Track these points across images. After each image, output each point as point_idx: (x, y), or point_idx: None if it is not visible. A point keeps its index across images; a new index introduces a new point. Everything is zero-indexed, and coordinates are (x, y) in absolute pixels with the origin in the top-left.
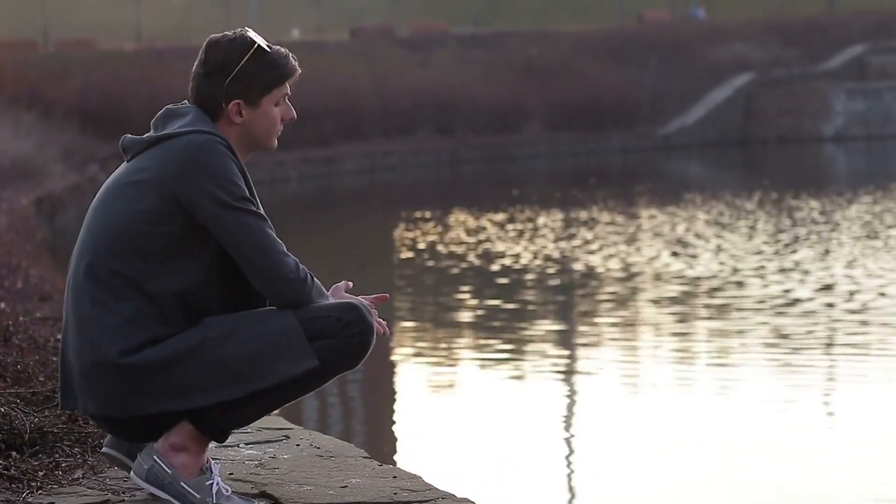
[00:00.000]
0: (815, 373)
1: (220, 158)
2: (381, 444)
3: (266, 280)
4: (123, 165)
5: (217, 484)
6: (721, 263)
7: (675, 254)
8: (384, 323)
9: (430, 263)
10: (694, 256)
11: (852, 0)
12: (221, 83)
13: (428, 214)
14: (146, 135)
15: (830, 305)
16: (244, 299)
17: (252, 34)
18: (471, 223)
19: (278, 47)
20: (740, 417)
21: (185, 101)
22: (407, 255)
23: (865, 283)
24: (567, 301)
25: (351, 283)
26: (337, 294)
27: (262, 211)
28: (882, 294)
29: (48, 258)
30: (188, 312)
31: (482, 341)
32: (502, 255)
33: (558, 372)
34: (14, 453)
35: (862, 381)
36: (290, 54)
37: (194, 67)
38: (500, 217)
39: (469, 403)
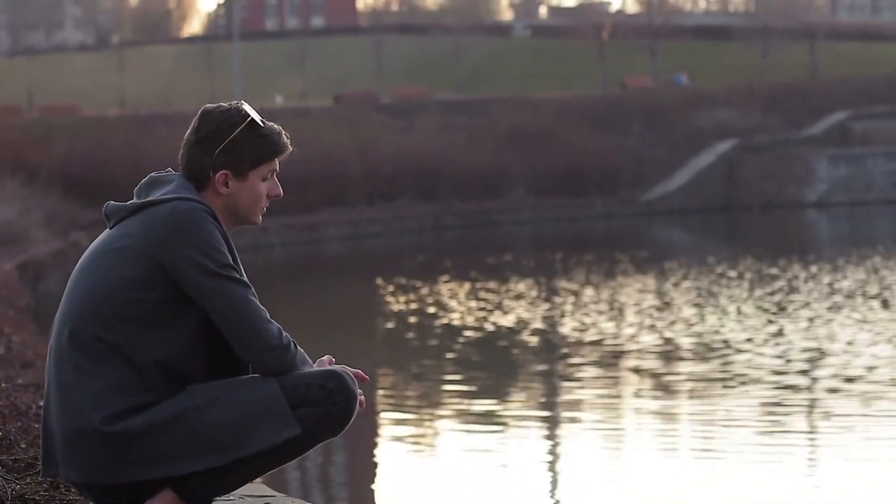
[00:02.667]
0: (799, 439)
1: (204, 225)
2: None
3: (249, 347)
4: (107, 232)
5: None
6: (698, 335)
7: (652, 326)
8: (362, 399)
9: (413, 330)
10: (673, 322)
11: (834, 66)
12: (211, 152)
13: (411, 281)
14: (130, 201)
15: (811, 373)
16: (228, 366)
17: (247, 107)
18: (454, 290)
19: (272, 124)
20: (723, 483)
21: (170, 168)
22: (390, 322)
23: (847, 350)
24: (549, 368)
25: (333, 359)
26: (321, 367)
27: (245, 278)
28: (869, 367)
29: (31, 324)
30: (171, 379)
31: (464, 407)
32: (485, 322)
33: (540, 437)
34: None
35: (845, 447)
36: (283, 132)
37: (186, 135)
38: (483, 284)
39: (451, 470)
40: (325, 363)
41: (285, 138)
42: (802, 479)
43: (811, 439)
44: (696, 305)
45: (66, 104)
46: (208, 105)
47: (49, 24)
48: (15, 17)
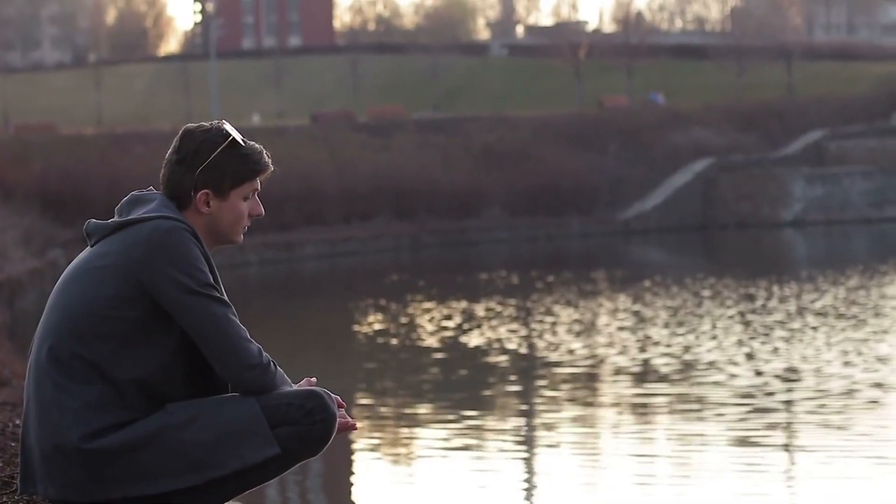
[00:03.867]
0: (774, 459)
1: (185, 244)
2: None
3: (229, 366)
4: (87, 250)
5: None
6: (673, 351)
7: (627, 345)
8: (353, 422)
9: (389, 349)
10: (648, 341)
11: (811, 86)
12: (192, 172)
13: (387, 300)
14: (111, 220)
15: (790, 391)
16: (207, 385)
17: (228, 127)
18: (429, 309)
19: (253, 143)
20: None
21: (151, 187)
22: (366, 340)
23: (822, 370)
24: (528, 383)
25: (315, 379)
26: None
27: (225, 297)
28: (844, 387)
29: (7, 342)
30: (150, 398)
31: (443, 424)
32: (460, 341)
33: (520, 452)
34: None
35: (823, 464)
36: (265, 151)
37: (167, 154)
38: (458, 303)
39: (431, 488)
40: (305, 384)
41: (266, 157)
42: (779, 497)
43: (786, 460)
44: (672, 325)
45: (42, 123)
46: (189, 125)
47: (26, 42)
48: None
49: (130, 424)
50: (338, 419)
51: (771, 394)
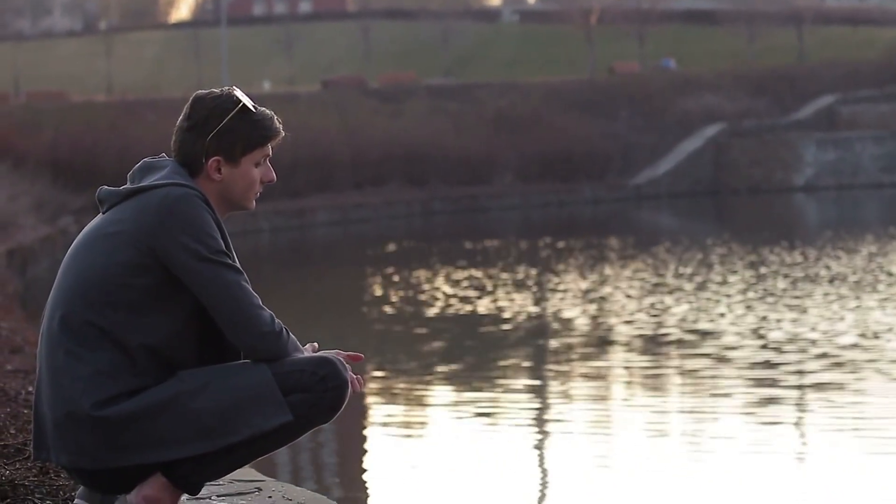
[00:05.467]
0: (788, 422)
1: (197, 211)
2: (354, 495)
3: (241, 333)
4: (99, 217)
5: None
6: (684, 319)
7: (640, 312)
8: (361, 379)
9: (402, 314)
10: (661, 310)
11: (822, 50)
12: (203, 139)
13: (399, 267)
14: (123, 186)
15: (801, 356)
16: (219, 352)
17: (239, 93)
18: (441, 276)
19: (264, 109)
20: (714, 468)
21: (163, 154)
22: (378, 306)
23: (835, 336)
24: (539, 352)
25: (317, 345)
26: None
27: (237, 264)
28: (855, 345)
29: (19, 310)
30: (162, 365)
31: (454, 392)
32: (474, 306)
33: (531, 420)
34: None
35: (835, 428)
36: (276, 117)
37: (178, 122)
38: (470, 269)
39: (442, 455)
40: (309, 350)
41: (277, 123)
42: (793, 466)
43: (800, 426)
44: (684, 292)
45: (53, 90)
46: (200, 91)
47: (36, 9)
48: (2, 2)
49: (142, 392)
50: (355, 380)
51: (785, 359)
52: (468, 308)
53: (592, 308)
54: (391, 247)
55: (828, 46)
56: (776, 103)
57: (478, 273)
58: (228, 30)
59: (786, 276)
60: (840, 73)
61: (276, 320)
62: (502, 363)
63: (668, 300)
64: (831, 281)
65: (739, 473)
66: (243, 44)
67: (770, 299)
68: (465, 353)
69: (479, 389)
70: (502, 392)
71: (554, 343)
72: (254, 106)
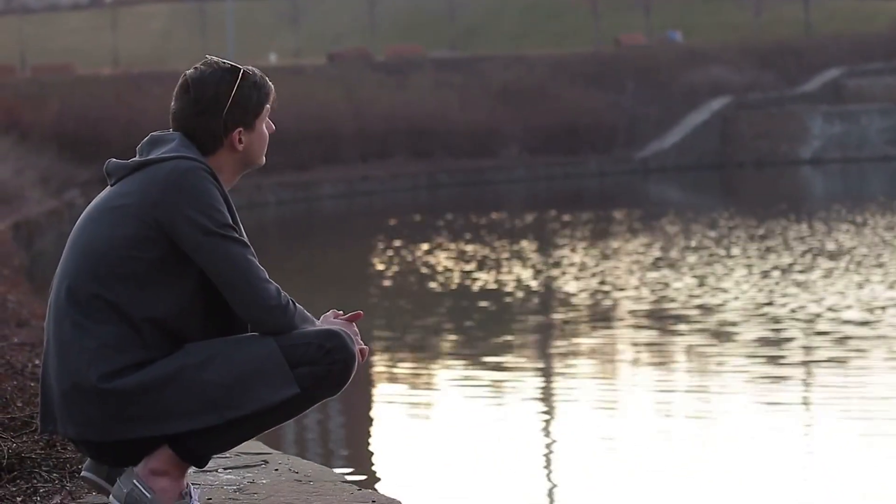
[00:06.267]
0: (795, 400)
1: (204, 184)
2: (360, 468)
3: (248, 307)
4: (107, 190)
5: None
6: (691, 294)
7: (647, 285)
8: (366, 349)
9: (408, 288)
10: (666, 285)
11: (828, 23)
12: (218, 117)
13: (405, 239)
14: (131, 159)
15: (809, 328)
16: (226, 325)
17: (224, 61)
18: (448, 248)
19: (252, 68)
20: (719, 444)
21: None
22: (384, 279)
23: (841, 311)
24: (545, 326)
25: (341, 312)
26: (324, 321)
27: (244, 238)
28: (864, 322)
29: (26, 284)
30: (169, 337)
31: (461, 365)
32: (480, 280)
33: (537, 395)
34: None
35: (841, 406)
36: (258, 70)
37: (178, 108)
38: (477, 242)
39: (448, 427)
40: (331, 318)
41: (265, 76)
42: (798, 441)
43: (807, 401)
44: (690, 266)
45: (59, 63)
46: (189, 72)
47: None
48: None
49: (149, 364)
50: (361, 349)
51: (791, 334)
52: (473, 281)
53: (598, 280)
54: (396, 219)
55: (834, 19)
56: (783, 76)
57: (483, 246)
58: (234, 2)
59: (792, 249)
60: (847, 46)
61: (283, 293)
62: (510, 336)
63: (675, 274)
64: (838, 255)
65: (745, 452)
66: (249, 16)
67: (775, 272)
68: (473, 325)
69: (485, 363)
70: (509, 366)
71: (560, 314)
72: (246, 69)
